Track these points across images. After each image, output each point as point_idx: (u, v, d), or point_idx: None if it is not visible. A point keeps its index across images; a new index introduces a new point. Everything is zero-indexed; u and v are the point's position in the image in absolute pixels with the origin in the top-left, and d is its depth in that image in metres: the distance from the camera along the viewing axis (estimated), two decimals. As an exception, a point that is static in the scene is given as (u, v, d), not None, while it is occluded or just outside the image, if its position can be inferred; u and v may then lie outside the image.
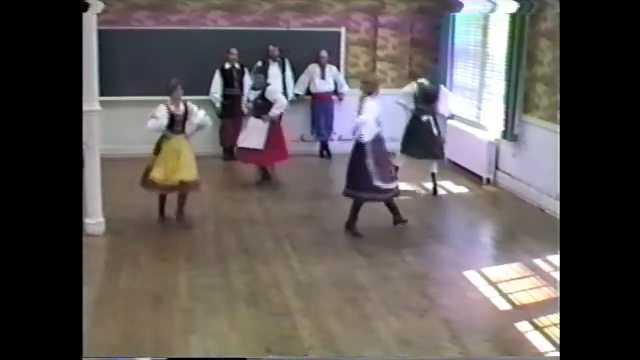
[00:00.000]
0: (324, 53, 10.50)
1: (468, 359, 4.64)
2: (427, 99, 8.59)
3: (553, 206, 7.57)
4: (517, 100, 8.56)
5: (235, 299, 5.49)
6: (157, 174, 7.03)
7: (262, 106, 8.72)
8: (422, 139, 8.48)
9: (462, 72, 10.32)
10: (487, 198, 8.76)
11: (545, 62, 8.14)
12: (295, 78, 10.62)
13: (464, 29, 10.26)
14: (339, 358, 4.62)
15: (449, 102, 8.85)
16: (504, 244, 7.16)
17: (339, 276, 5.95)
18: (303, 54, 10.44)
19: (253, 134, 8.74)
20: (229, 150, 10.17)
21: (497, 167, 9.18)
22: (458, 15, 10.29)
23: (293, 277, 5.94)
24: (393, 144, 8.14)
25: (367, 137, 6.84)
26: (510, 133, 8.70)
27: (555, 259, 6.19)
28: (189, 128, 7.20)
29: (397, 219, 7.17)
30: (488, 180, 9.21)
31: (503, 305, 5.46)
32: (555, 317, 5.01)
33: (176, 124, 7.08)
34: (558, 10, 7.25)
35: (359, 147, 6.91)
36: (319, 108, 10.69)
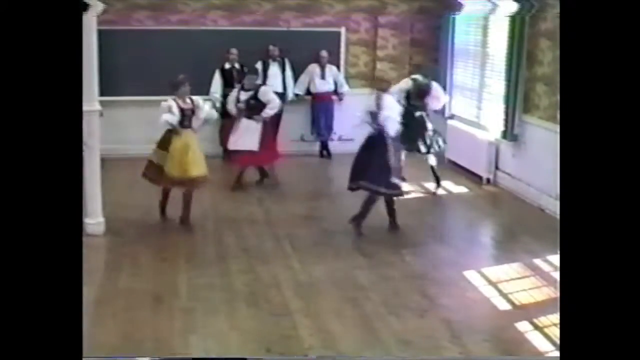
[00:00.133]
0: (324, 53, 10.50)
1: (468, 359, 4.64)
2: (420, 95, 8.68)
3: (553, 206, 7.57)
4: (517, 100, 8.56)
5: (235, 299, 5.49)
6: (173, 170, 7.01)
7: (255, 107, 8.61)
8: (418, 133, 8.51)
9: (462, 72, 10.32)
10: (487, 198, 8.76)
11: (545, 62, 8.13)
12: (295, 78, 10.62)
13: (464, 29, 10.25)
14: (339, 358, 4.62)
15: (440, 96, 8.86)
16: (504, 244, 7.16)
17: (339, 276, 5.95)
18: (303, 54, 10.43)
19: (246, 136, 8.58)
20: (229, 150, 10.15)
21: (497, 167, 9.18)
22: (458, 16, 10.29)
23: (293, 277, 5.94)
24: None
25: (392, 132, 6.90)
26: (510, 133, 8.71)
27: (555, 259, 6.19)
28: (196, 123, 7.21)
29: (392, 224, 7.16)
30: (488, 180, 9.21)
31: (503, 305, 5.46)
32: (555, 317, 5.01)
33: (185, 118, 7.10)
34: (558, 10, 7.25)
35: (377, 141, 6.93)
36: (319, 108, 10.68)
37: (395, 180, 6.93)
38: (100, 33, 6.77)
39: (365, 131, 7.16)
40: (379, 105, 6.98)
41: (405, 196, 7.58)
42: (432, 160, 8.69)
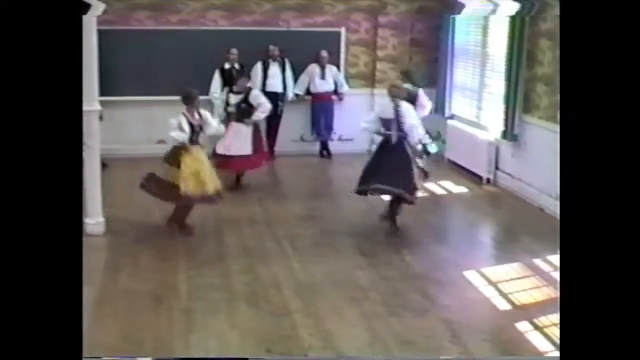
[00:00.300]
0: (324, 53, 10.50)
1: (468, 359, 4.64)
2: (410, 102, 8.58)
3: (553, 206, 7.57)
4: (517, 100, 8.56)
5: (235, 299, 5.49)
6: (189, 187, 6.77)
7: (245, 110, 8.52)
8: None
9: (462, 72, 10.32)
10: (487, 198, 8.76)
11: (545, 62, 8.14)
12: (295, 78, 10.62)
13: (464, 29, 10.26)
14: (339, 358, 4.62)
15: (426, 104, 8.56)
16: (504, 244, 7.16)
17: (339, 276, 5.95)
18: (303, 54, 10.43)
19: (237, 140, 8.44)
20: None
21: (497, 167, 9.18)
22: (458, 16, 10.28)
23: (293, 277, 5.94)
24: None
25: (416, 140, 6.89)
26: (510, 133, 8.71)
27: (555, 259, 6.19)
28: (202, 138, 7.05)
29: (392, 228, 7.09)
30: (488, 180, 9.22)
31: (503, 305, 5.46)
32: (555, 317, 5.02)
33: (194, 134, 6.92)
34: (558, 11, 7.25)
35: (396, 147, 6.90)
36: (319, 108, 10.68)
37: (413, 184, 6.90)
38: (100, 33, 6.77)
39: (368, 134, 7.12)
40: (398, 113, 6.90)
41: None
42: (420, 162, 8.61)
